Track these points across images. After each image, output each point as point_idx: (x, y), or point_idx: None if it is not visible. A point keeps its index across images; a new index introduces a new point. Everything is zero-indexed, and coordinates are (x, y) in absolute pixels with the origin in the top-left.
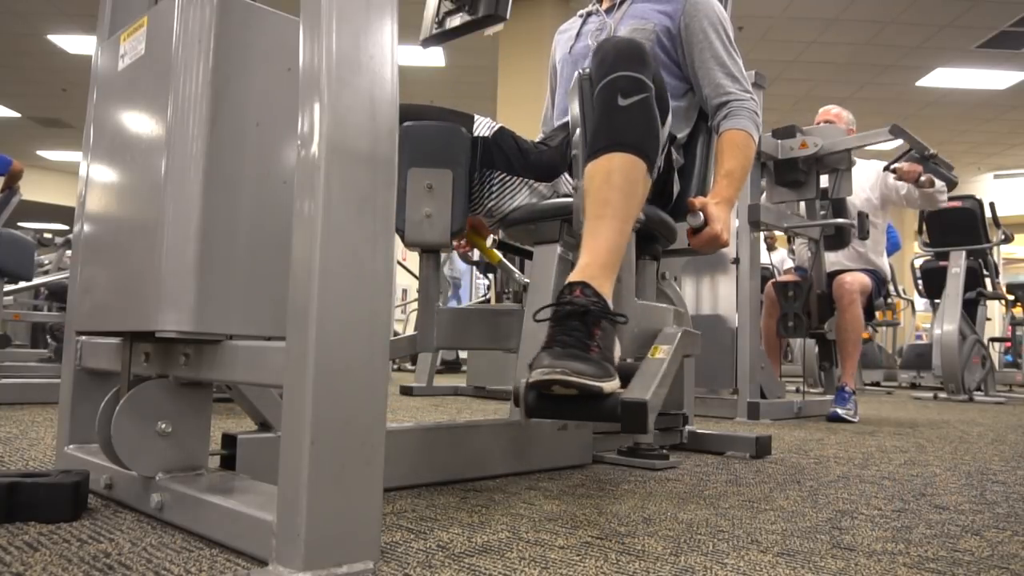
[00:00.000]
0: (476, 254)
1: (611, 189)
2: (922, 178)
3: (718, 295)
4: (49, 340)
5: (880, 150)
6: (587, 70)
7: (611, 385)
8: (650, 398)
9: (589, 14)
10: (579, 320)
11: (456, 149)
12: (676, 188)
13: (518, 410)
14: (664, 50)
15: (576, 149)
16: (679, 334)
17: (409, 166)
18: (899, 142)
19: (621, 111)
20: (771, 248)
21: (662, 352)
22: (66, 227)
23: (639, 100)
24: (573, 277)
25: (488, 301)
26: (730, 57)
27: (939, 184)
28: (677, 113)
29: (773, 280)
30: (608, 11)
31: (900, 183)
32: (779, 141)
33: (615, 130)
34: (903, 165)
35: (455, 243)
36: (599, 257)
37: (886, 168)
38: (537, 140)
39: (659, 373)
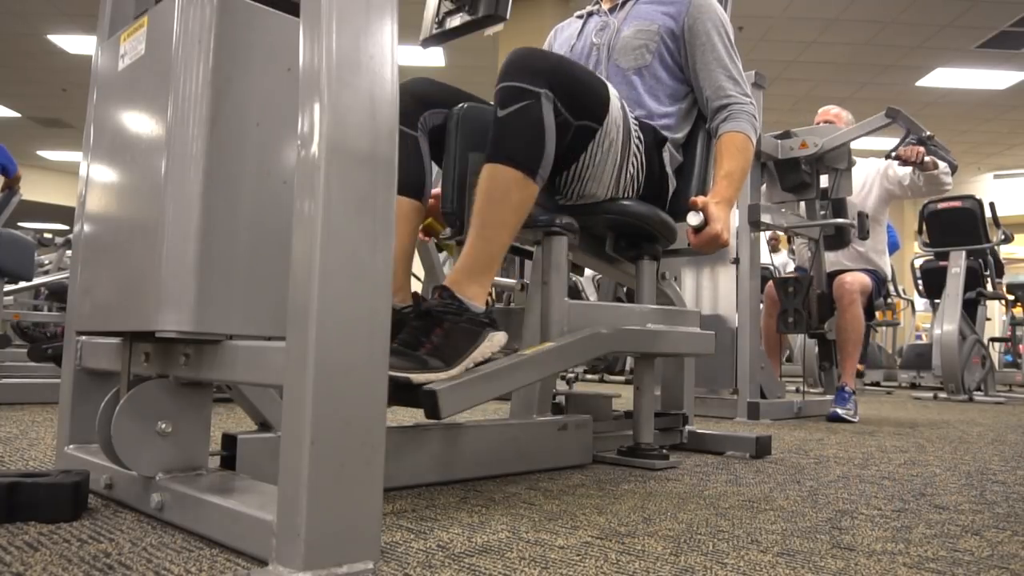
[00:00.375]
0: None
1: (484, 199)
2: (926, 159)
3: (718, 295)
4: (29, 341)
5: (879, 149)
6: None
7: (423, 377)
8: (442, 389)
9: (590, 14)
10: (421, 320)
11: None
12: (672, 188)
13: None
14: (668, 51)
15: None
16: (581, 335)
17: (468, 150)
18: (895, 142)
19: (498, 122)
20: (774, 250)
21: (535, 349)
22: (66, 227)
23: (516, 109)
24: (444, 282)
25: None
26: (732, 60)
27: (942, 165)
28: (677, 114)
29: (773, 277)
30: (611, 11)
31: (903, 173)
32: (779, 141)
33: (493, 141)
34: (904, 149)
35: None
36: (466, 263)
37: (888, 156)
38: None
39: (494, 368)
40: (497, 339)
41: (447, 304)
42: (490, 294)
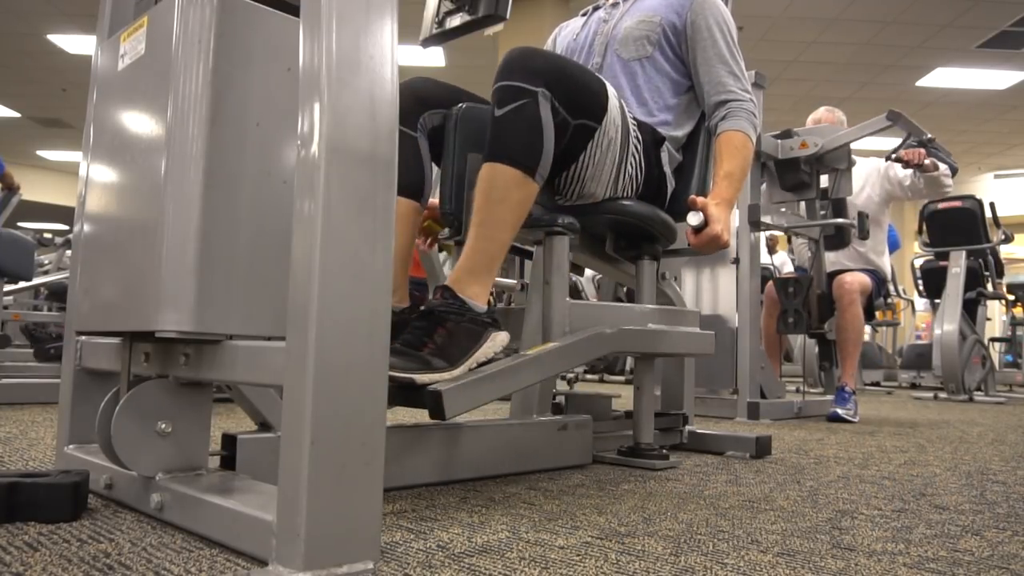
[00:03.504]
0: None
1: (484, 198)
2: (926, 161)
3: (718, 295)
4: (33, 342)
5: (880, 150)
6: None
7: (428, 377)
8: (447, 389)
9: (595, 9)
10: (424, 320)
11: None
12: (670, 188)
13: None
14: (669, 45)
15: None
16: (585, 335)
17: (467, 151)
18: (897, 141)
19: (496, 122)
20: (772, 251)
21: (538, 349)
22: (66, 227)
23: (513, 108)
24: (446, 282)
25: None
26: (733, 57)
27: (943, 167)
28: (677, 109)
29: (774, 277)
30: (614, 5)
31: (903, 174)
32: (779, 141)
33: (491, 140)
34: (906, 151)
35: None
36: (467, 263)
37: (888, 158)
38: None
39: (497, 368)
40: (500, 339)
41: (449, 304)
42: (492, 294)
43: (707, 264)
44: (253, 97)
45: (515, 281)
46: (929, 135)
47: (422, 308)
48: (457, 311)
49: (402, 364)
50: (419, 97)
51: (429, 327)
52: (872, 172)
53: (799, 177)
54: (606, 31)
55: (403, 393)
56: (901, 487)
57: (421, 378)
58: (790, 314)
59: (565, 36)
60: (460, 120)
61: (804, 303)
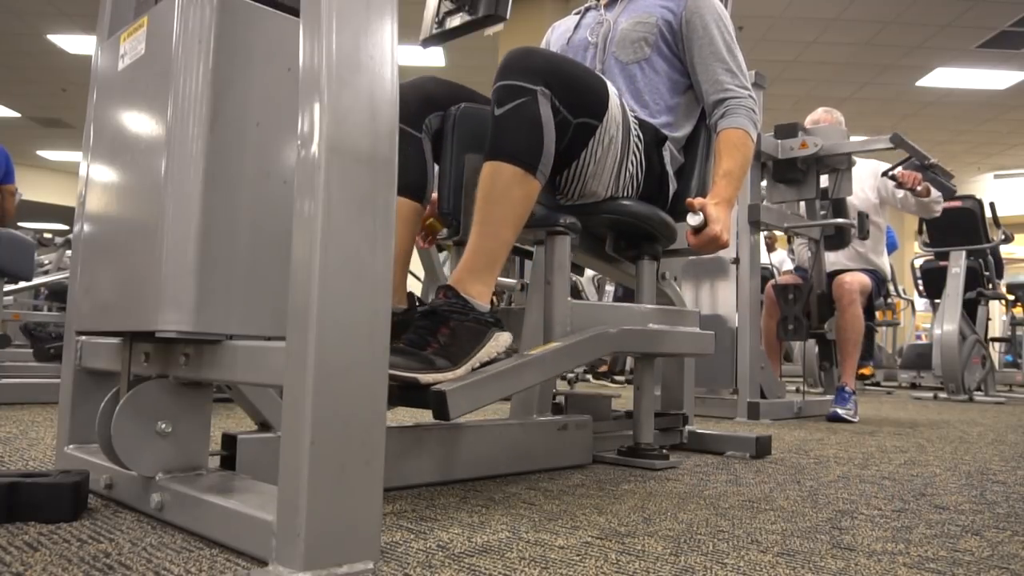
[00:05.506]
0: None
1: (484, 198)
2: (918, 187)
3: (718, 295)
4: (33, 342)
5: (880, 149)
6: None
7: (431, 377)
8: (451, 389)
9: (587, 9)
10: (427, 320)
11: None
12: (672, 188)
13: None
14: (667, 44)
15: None
16: (587, 335)
17: (464, 151)
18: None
19: (495, 121)
20: (771, 249)
21: (541, 348)
22: (66, 227)
23: (512, 107)
24: (448, 282)
25: None
26: (730, 53)
27: (935, 194)
28: (678, 109)
29: (772, 282)
30: (607, 7)
31: (900, 194)
32: (779, 141)
33: (491, 139)
34: (901, 172)
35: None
36: (469, 262)
37: (884, 174)
38: None
39: (500, 368)
40: (503, 339)
41: (452, 303)
42: (495, 294)
43: (707, 264)
44: (253, 97)
45: (515, 281)
46: (931, 160)
47: (424, 308)
48: (460, 310)
49: (405, 363)
50: (427, 98)
51: (432, 326)
52: (869, 175)
53: (794, 175)
54: (602, 34)
55: (406, 393)
56: (901, 487)
57: (425, 378)
58: (790, 321)
59: (558, 38)
60: (458, 120)
61: (804, 309)
